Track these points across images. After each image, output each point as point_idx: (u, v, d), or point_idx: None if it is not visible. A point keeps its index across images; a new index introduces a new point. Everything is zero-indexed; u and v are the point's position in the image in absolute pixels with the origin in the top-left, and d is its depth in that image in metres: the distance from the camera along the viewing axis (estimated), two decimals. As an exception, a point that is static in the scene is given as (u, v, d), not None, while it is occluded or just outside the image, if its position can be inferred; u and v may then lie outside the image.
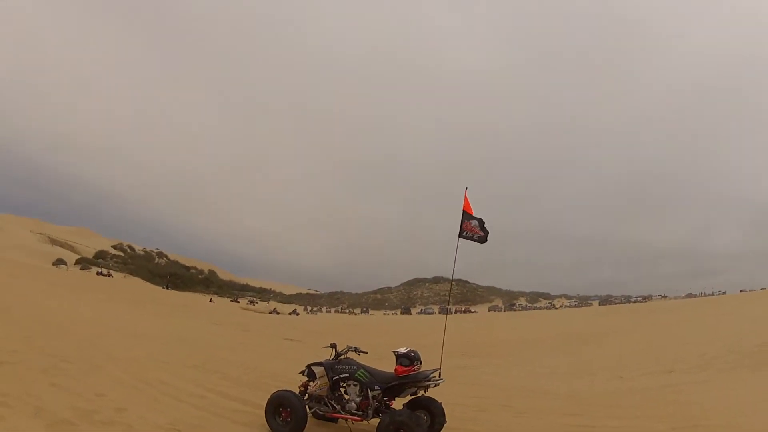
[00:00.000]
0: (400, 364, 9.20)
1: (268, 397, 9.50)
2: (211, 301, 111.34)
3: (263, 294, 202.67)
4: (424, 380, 9.17)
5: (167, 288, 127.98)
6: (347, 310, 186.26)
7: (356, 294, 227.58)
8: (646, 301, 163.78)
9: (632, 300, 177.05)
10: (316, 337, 35.96)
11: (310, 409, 9.51)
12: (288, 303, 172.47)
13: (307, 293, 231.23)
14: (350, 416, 9.31)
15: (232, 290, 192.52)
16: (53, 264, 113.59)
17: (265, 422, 9.33)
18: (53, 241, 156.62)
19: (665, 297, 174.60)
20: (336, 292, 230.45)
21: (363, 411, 9.26)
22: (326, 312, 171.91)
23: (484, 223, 12.95)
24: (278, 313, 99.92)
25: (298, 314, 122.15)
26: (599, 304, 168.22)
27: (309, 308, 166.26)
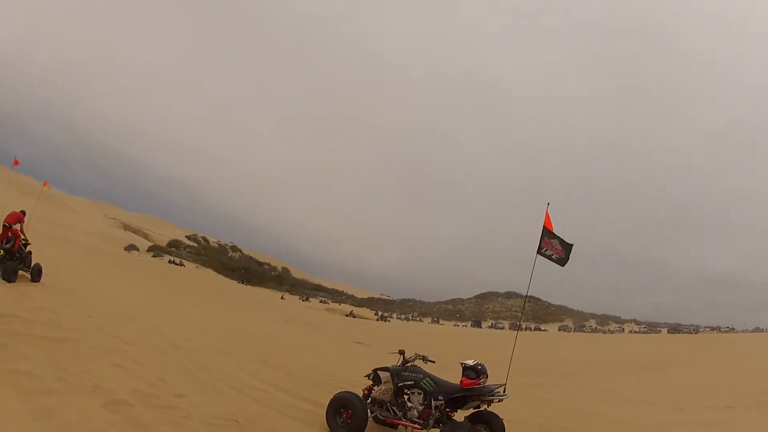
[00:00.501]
0: (466, 377, 9.04)
1: (331, 397, 9.47)
2: (282, 298, 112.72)
3: (335, 295, 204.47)
4: (488, 394, 8.98)
5: (242, 283, 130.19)
6: (417, 318, 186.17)
7: (429, 303, 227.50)
8: (712, 332, 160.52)
9: (701, 330, 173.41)
10: (385, 343, 35.98)
11: (371, 413, 9.41)
12: (360, 306, 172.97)
13: (379, 298, 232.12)
14: (411, 424, 9.20)
15: (305, 289, 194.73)
16: (125, 249, 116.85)
17: (325, 422, 9.31)
18: (126, 227, 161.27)
19: (732, 329, 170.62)
20: (408, 300, 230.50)
21: (424, 420, 9.13)
22: (397, 319, 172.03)
23: (569, 245, 12.59)
24: (354, 317, 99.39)
25: (388, 321, 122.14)
26: (668, 332, 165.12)
27: (380, 314, 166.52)
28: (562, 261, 12.48)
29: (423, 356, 9.90)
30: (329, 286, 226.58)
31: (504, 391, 9.28)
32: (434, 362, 9.94)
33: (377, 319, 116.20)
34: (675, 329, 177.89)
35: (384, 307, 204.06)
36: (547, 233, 12.45)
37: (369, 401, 9.57)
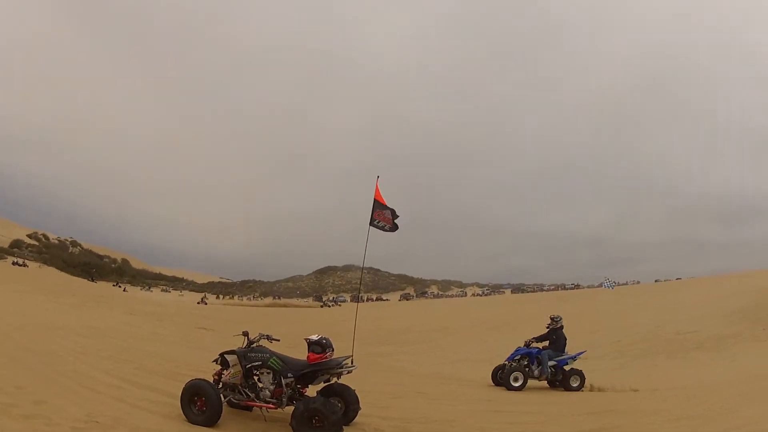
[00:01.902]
0: (312, 352, 9.21)
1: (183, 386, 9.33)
2: (124, 290, 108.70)
3: (176, 283, 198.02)
4: (336, 367, 9.21)
5: (92, 280, 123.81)
6: (259, 297, 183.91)
7: (268, 282, 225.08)
8: (558, 290, 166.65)
9: (545, 288, 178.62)
10: (229, 326, 35.50)
11: (224, 398, 9.33)
12: (200, 291, 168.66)
13: (219, 281, 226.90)
14: (264, 404, 9.25)
15: (145, 279, 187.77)
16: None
17: (182, 412, 9.15)
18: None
19: (578, 286, 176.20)
20: (248, 281, 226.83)
21: (277, 399, 9.21)
22: (239, 299, 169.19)
23: (396, 213, 12.98)
24: (206, 303, 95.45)
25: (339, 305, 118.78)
26: (511, 292, 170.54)
27: (221, 297, 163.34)
28: (392, 229, 12.91)
29: (267, 335, 9.89)
30: (169, 273, 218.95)
31: (352, 363, 9.59)
32: (279, 341, 9.99)
33: (321, 306, 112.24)
34: (518, 289, 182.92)
35: (224, 290, 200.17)
36: (379, 205, 12.81)
37: (221, 386, 9.47)
